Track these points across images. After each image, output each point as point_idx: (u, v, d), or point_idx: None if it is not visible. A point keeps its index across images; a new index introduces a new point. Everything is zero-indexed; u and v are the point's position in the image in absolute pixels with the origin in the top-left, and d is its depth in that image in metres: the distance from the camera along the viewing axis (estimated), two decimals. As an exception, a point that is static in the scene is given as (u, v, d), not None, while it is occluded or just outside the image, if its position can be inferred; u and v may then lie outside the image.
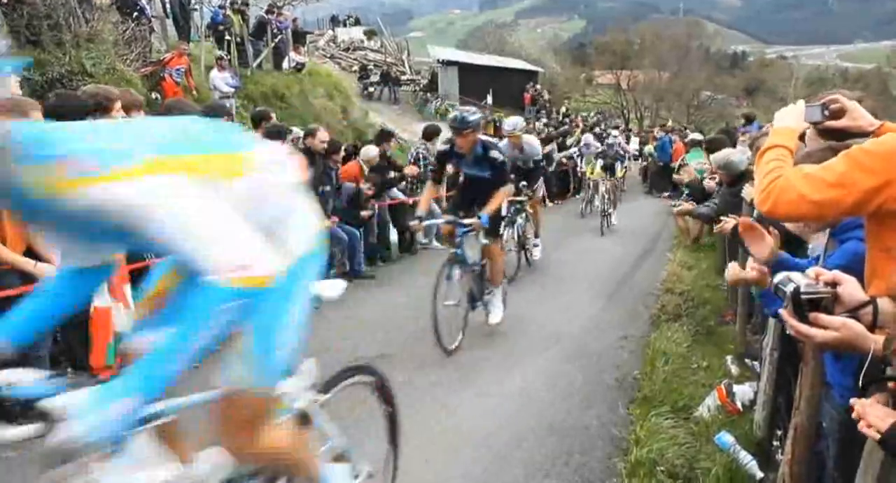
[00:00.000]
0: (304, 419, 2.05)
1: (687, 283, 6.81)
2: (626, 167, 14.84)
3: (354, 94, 20.64)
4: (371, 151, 8.00)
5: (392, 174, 8.29)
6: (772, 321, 3.28)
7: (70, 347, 3.95)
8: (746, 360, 4.53)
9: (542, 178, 8.67)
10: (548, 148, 14.81)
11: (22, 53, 7.84)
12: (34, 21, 8.00)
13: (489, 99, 29.01)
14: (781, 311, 1.42)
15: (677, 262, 7.90)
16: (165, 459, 1.79)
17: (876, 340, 1.34)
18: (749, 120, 12.69)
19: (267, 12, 16.03)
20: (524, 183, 7.71)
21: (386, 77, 25.18)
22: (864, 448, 1.62)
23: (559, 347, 5.06)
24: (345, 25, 32.41)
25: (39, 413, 1.31)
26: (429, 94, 27.10)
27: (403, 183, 8.80)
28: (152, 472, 1.69)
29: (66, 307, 1.72)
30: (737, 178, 5.26)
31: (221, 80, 12.08)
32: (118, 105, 4.09)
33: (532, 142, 8.05)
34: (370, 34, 32.19)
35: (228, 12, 14.47)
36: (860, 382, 1.36)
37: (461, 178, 5.91)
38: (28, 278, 3.43)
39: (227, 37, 14.11)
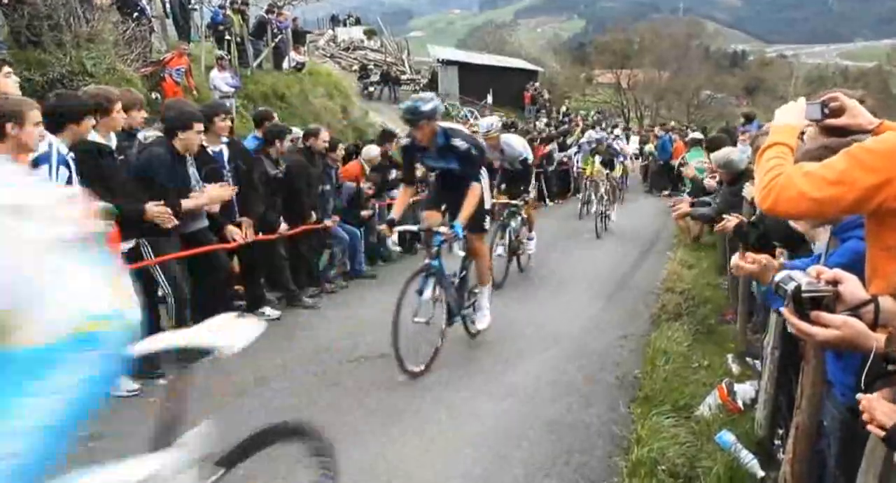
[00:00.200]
0: None
1: (687, 281, 6.80)
2: (622, 163, 14.61)
3: (354, 93, 20.65)
4: (373, 151, 8.02)
5: (393, 174, 8.30)
6: (773, 320, 3.27)
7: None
8: (747, 359, 4.54)
9: (533, 180, 8.27)
10: (548, 147, 14.84)
11: (23, 54, 7.86)
12: (35, 21, 8.01)
13: (489, 98, 29.05)
14: (783, 310, 1.42)
15: (678, 260, 7.89)
16: None
17: (877, 339, 1.34)
18: (749, 119, 12.65)
19: (267, 12, 16.05)
20: (522, 187, 7.35)
21: (386, 77, 25.19)
22: (866, 446, 1.62)
23: (559, 347, 5.05)
24: (345, 25, 32.43)
25: None
26: (429, 94, 27.08)
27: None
28: None
29: None
30: (737, 176, 5.25)
31: (221, 80, 12.09)
32: (118, 106, 4.09)
33: (512, 142, 7.49)
34: (370, 34, 32.23)
35: (228, 12, 14.49)
36: (863, 381, 1.36)
37: (432, 177, 5.55)
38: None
39: (227, 37, 14.12)
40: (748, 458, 3.13)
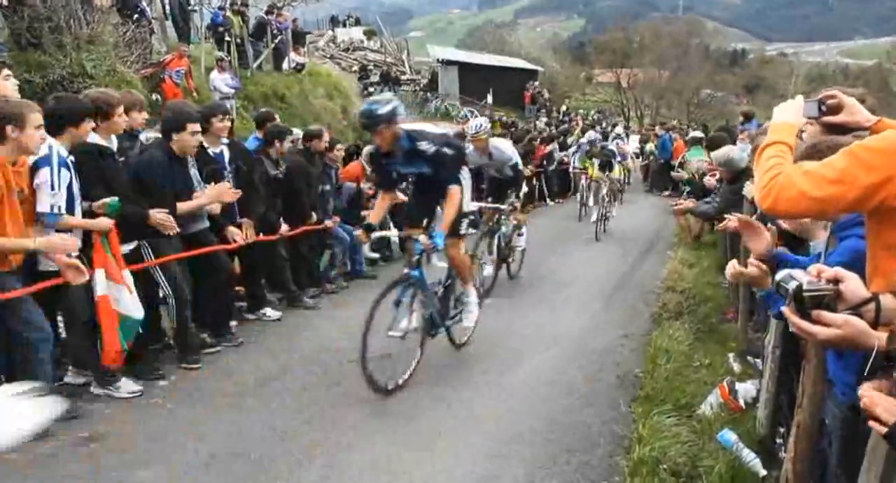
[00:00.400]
0: None
1: (688, 280, 6.80)
2: (622, 163, 14.47)
3: (354, 94, 20.63)
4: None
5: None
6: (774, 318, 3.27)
7: (73, 348, 3.96)
8: (749, 358, 4.53)
9: (525, 187, 7.72)
10: (549, 147, 14.84)
11: (23, 56, 7.86)
12: (35, 23, 8.01)
13: (489, 98, 29.03)
14: (784, 309, 1.42)
15: (678, 260, 7.89)
16: None
17: (879, 337, 1.33)
18: (748, 118, 12.64)
19: (266, 13, 16.05)
20: (511, 192, 6.92)
21: (386, 77, 25.18)
22: (867, 445, 1.61)
23: (559, 347, 5.05)
24: (344, 25, 32.44)
25: None
26: (429, 94, 27.16)
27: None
28: None
29: None
30: (737, 175, 5.26)
31: (221, 82, 12.08)
32: (120, 110, 4.07)
33: (502, 146, 6.93)
34: (370, 34, 32.24)
35: (228, 13, 14.48)
36: (863, 379, 1.36)
37: (408, 185, 5.19)
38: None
39: (227, 38, 14.11)
40: (750, 457, 3.13)
